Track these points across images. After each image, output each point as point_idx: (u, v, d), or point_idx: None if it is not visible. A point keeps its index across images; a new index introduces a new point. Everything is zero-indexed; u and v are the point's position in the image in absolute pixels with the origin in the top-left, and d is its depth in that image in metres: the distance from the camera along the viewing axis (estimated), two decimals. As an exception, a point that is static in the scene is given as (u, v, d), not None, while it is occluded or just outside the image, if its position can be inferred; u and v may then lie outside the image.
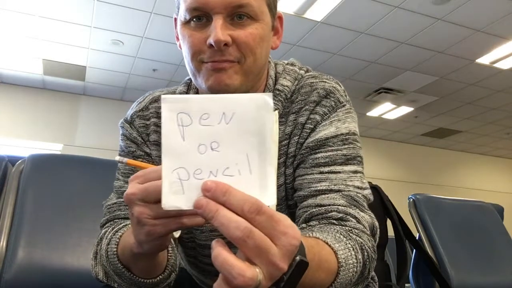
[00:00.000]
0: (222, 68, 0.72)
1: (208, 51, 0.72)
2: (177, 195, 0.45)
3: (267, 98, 0.45)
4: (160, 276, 0.68)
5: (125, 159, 0.57)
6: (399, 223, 1.17)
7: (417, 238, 1.79)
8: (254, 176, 0.45)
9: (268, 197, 0.45)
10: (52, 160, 1.44)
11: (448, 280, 1.67)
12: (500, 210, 2.16)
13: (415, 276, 1.72)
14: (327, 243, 0.58)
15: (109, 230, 0.73)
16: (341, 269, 0.55)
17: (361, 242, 0.63)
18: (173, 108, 0.46)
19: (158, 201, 0.50)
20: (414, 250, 1.78)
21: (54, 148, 6.21)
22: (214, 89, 0.74)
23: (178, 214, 0.51)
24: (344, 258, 0.57)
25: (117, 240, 0.68)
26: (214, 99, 0.46)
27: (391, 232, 1.17)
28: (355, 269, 0.58)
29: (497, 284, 1.81)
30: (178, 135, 0.45)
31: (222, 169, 0.45)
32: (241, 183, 0.44)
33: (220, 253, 0.41)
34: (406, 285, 1.35)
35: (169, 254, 0.70)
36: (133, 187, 0.52)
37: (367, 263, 0.63)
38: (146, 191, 0.51)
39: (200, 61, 0.74)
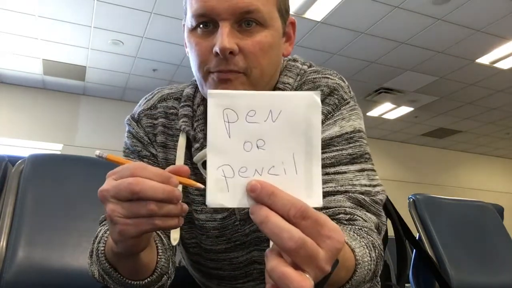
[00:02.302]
0: (228, 79, 0.70)
1: (214, 60, 0.70)
2: (222, 193, 0.44)
3: (315, 97, 0.44)
4: (148, 279, 0.66)
5: (105, 154, 0.54)
6: (399, 223, 1.17)
7: (417, 238, 1.79)
8: (300, 176, 0.44)
9: (314, 199, 0.44)
10: (52, 160, 1.44)
11: (448, 280, 1.67)
12: (500, 210, 2.16)
13: (415, 276, 1.72)
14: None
15: (103, 229, 0.72)
16: (358, 266, 0.55)
17: (372, 240, 0.64)
18: (219, 103, 0.45)
19: (130, 199, 0.49)
20: (414, 250, 1.78)
21: (54, 148, 6.21)
22: None
23: (150, 215, 0.49)
24: (360, 256, 0.57)
25: (106, 238, 0.66)
26: (261, 95, 0.45)
27: (391, 232, 1.16)
28: (369, 267, 0.58)
29: (497, 284, 1.81)
30: (224, 131, 0.44)
31: (268, 168, 0.44)
32: (286, 182, 0.44)
33: (277, 265, 0.40)
34: (406, 285, 1.35)
35: (158, 256, 0.68)
36: (107, 183, 0.51)
37: (379, 261, 0.63)
38: (118, 188, 0.49)
39: (207, 71, 0.72)
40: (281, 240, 0.40)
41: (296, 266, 0.40)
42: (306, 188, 0.44)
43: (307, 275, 0.40)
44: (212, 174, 0.44)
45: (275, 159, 0.44)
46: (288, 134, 0.44)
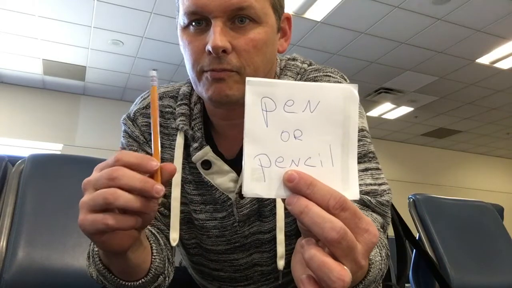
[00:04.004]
0: (221, 78, 0.69)
1: (207, 59, 0.69)
2: (259, 182, 0.43)
3: (353, 90, 0.44)
4: (143, 280, 0.64)
5: (156, 83, 0.52)
6: (399, 223, 1.17)
7: (417, 238, 1.79)
8: (336, 169, 0.44)
9: (351, 191, 0.43)
10: (52, 160, 1.44)
11: (448, 280, 1.67)
12: (500, 210, 2.16)
13: (415, 276, 1.72)
14: None
15: None
16: (372, 266, 0.54)
17: (380, 240, 0.63)
18: (257, 92, 0.44)
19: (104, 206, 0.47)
20: (414, 250, 1.78)
21: (54, 148, 6.21)
22: (214, 100, 0.71)
23: (106, 203, 0.47)
24: (373, 255, 0.56)
25: None
26: (300, 85, 0.45)
27: (391, 232, 1.16)
28: (380, 266, 0.57)
29: (497, 284, 1.81)
30: (262, 120, 0.44)
31: (304, 159, 0.44)
32: (322, 174, 0.43)
33: (316, 254, 0.40)
34: (406, 285, 1.35)
35: (153, 257, 0.66)
36: (92, 175, 0.50)
37: (386, 260, 0.63)
38: (99, 177, 0.48)
39: (201, 70, 0.70)
40: (322, 230, 0.39)
41: (334, 258, 0.40)
42: (343, 181, 0.44)
43: (345, 267, 0.40)
44: (248, 163, 0.44)
45: (312, 150, 0.44)
46: (325, 126, 0.44)
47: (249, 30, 0.69)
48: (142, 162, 0.48)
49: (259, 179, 0.43)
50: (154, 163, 0.49)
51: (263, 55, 0.71)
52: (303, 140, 0.44)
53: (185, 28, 0.72)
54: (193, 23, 0.70)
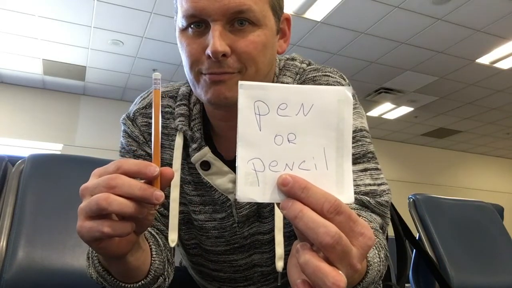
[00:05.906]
0: (221, 81, 0.68)
1: (206, 62, 0.68)
2: (253, 187, 0.43)
3: (347, 92, 0.44)
4: (142, 281, 0.64)
5: (159, 87, 0.50)
6: (399, 223, 1.17)
7: (417, 238, 1.79)
8: (330, 172, 0.43)
9: (345, 195, 0.43)
10: (52, 160, 1.44)
11: (448, 280, 1.67)
12: (500, 210, 2.16)
13: (415, 276, 1.72)
14: None
15: None
16: (370, 268, 0.53)
17: (379, 241, 0.62)
18: (250, 95, 0.44)
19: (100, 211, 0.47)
20: (414, 250, 1.78)
21: (54, 148, 6.21)
22: (213, 103, 0.70)
23: (100, 216, 0.47)
24: (371, 257, 0.55)
25: None
26: (293, 88, 0.44)
27: (391, 232, 1.16)
28: (379, 267, 0.56)
29: (497, 284, 1.81)
30: (255, 124, 0.43)
31: (298, 162, 0.43)
32: (317, 178, 0.43)
33: (311, 259, 0.40)
34: (406, 285, 1.35)
35: (152, 258, 0.66)
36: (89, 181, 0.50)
37: (385, 261, 0.62)
38: (97, 184, 0.48)
39: (199, 72, 0.70)
40: (317, 235, 0.39)
41: (329, 262, 0.40)
42: (337, 184, 0.43)
43: (340, 272, 0.40)
44: (242, 167, 0.43)
45: (306, 153, 0.43)
46: (319, 129, 0.44)
47: (248, 33, 0.68)
48: (142, 169, 0.48)
49: (253, 184, 0.43)
50: (154, 169, 0.48)
51: (263, 57, 0.71)
52: (297, 144, 0.44)
53: (184, 30, 0.71)
54: (192, 26, 0.69)
